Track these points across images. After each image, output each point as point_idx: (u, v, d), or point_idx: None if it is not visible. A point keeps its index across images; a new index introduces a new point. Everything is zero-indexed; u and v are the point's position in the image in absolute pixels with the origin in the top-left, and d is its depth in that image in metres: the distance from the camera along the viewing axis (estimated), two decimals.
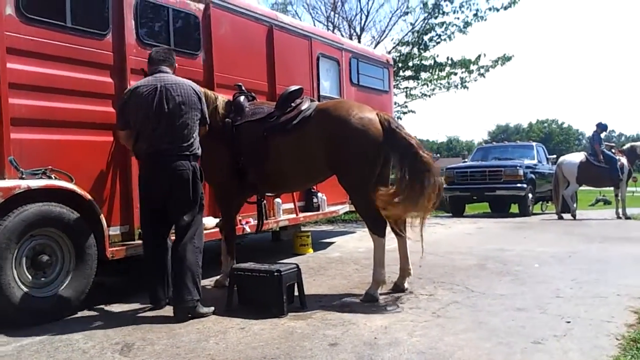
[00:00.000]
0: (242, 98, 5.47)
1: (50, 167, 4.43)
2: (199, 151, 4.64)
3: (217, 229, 5.88)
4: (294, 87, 5.39)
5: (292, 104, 5.25)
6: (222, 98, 5.46)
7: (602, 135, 13.11)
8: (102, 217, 4.67)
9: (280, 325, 4.09)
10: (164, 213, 4.60)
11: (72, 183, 4.49)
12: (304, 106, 5.18)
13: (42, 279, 4.33)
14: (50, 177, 4.38)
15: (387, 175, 5.09)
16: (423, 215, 4.82)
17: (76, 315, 4.48)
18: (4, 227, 3.97)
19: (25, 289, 4.15)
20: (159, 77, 4.58)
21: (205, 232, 5.56)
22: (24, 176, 4.23)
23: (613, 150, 13.13)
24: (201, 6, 6.04)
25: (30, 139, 4.42)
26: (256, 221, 5.92)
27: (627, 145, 13.57)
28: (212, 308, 4.50)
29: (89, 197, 4.58)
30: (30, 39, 4.42)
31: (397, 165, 4.89)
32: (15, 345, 3.71)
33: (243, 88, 5.66)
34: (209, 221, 5.92)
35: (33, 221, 4.16)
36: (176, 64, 4.87)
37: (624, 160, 12.77)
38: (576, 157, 13.17)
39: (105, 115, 4.91)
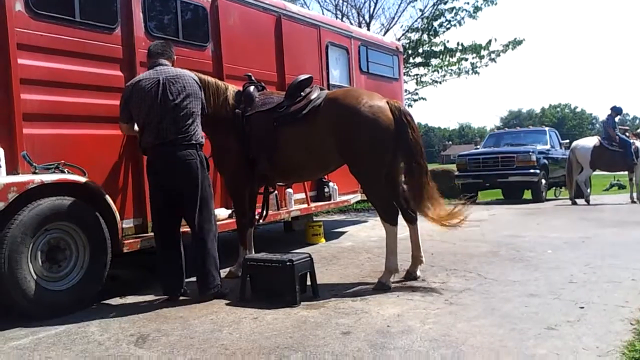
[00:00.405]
0: (252, 88, 5.48)
1: (62, 161, 4.47)
2: (203, 140, 4.75)
3: (230, 220, 5.91)
4: (303, 76, 5.38)
5: (302, 93, 5.25)
6: (232, 88, 5.48)
7: (617, 118, 12.96)
8: (116, 210, 4.71)
9: (293, 315, 4.11)
10: (174, 204, 4.67)
11: (85, 177, 4.53)
12: (314, 95, 5.18)
13: (57, 272, 4.38)
14: (63, 172, 4.42)
15: (398, 164, 5.07)
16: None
17: (91, 308, 4.53)
18: (19, 221, 4.02)
19: (40, 283, 4.21)
20: (160, 70, 4.65)
21: (217, 223, 5.62)
22: (37, 171, 4.28)
23: (627, 134, 12.99)
24: None
25: (42, 134, 4.46)
26: (261, 211, 5.92)
27: None
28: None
29: (102, 190, 4.62)
30: (40, 35, 4.45)
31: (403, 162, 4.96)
32: (32, 338, 3.77)
33: (253, 78, 5.67)
34: (222, 212, 5.95)
35: (47, 215, 4.21)
36: (174, 56, 4.92)
37: (638, 143, 12.63)
38: (590, 142, 13.04)
39: (116, 108, 4.91)
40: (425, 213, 4.88)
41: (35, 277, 4.18)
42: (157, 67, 4.69)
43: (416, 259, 5.16)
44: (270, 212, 6.10)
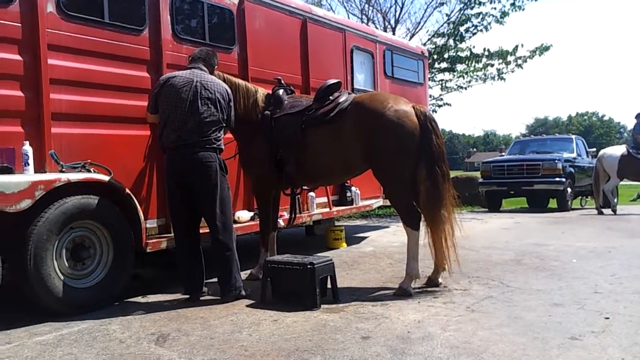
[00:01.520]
0: (281, 91, 5.53)
1: (89, 160, 4.53)
2: (223, 147, 4.83)
3: (252, 222, 5.93)
4: (332, 81, 5.40)
5: (330, 97, 5.27)
6: (262, 91, 5.53)
7: None
8: (140, 210, 4.76)
9: (313, 318, 4.11)
10: (193, 204, 4.73)
11: (111, 176, 4.58)
12: (342, 99, 5.19)
13: (81, 270, 4.45)
14: (89, 171, 4.48)
15: (421, 169, 5.03)
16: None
17: (113, 306, 4.58)
18: (45, 218, 4.08)
19: (64, 280, 4.27)
20: (196, 73, 4.74)
21: (239, 225, 5.66)
22: (64, 169, 4.34)
23: None
24: (235, 0, 6.08)
25: (70, 133, 4.53)
26: (289, 215, 5.95)
27: None
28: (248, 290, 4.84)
29: (127, 190, 4.67)
30: (70, 36, 4.53)
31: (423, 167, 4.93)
32: (55, 335, 3.82)
33: (282, 82, 5.70)
34: (244, 214, 5.98)
35: (73, 213, 4.27)
36: (216, 66, 5.03)
37: None
38: (617, 151, 12.80)
39: (142, 109, 4.99)
40: (438, 220, 4.89)
41: (59, 274, 4.24)
42: (194, 69, 4.78)
43: (438, 266, 5.11)
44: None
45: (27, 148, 4.11)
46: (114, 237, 4.58)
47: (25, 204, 3.94)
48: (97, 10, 4.74)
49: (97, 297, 4.47)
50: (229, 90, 4.91)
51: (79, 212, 4.31)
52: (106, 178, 4.53)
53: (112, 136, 4.85)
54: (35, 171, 4.17)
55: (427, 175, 4.88)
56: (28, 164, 4.10)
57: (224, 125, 4.85)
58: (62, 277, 4.25)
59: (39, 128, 4.31)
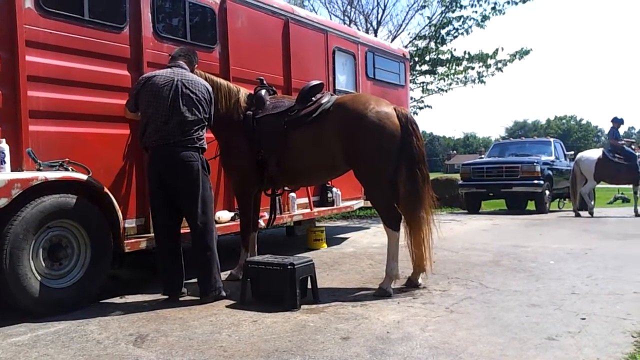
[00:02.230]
0: (263, 92, 5.52)
1: (67, 159, 4.47)
2: (206, 146, 4.81)
3: (232, 223, 5.91)
4: (315, 82, 5.40)
5: (313, 98, 5.27)
6: (244, 91, 5.51)
7: (620, 129, 12.93)
8: (118, 210, 4.71)
9: (293, 319, 4.10)
10: (175, 204, 4.70)
11: (89, 175, 4.53)
12: (324, 100, 5.20)
13: (58, 270, 4.38)
14: (67, 169, 4.42)
15: (402, 170, 5.06)
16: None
17: (91, 307, 4.52)
18: (21, 217, 4.02)
19: (41, 280, 4.20)
20: (177, 71, 4.70)
21: (219, 225, 5.63)
22: (41, 168, 4.28)
23: (633, 147, 12.95)
24: (218, 0, 6.05)
25: (48, 131, 4.47)
26: (270, 215, 5.93)
27: None
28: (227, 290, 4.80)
29: (106, 189, 4.62)
30: (48, 32, 4.46)
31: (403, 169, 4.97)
32: (30, 335, 3.77)
33: (264, 82, 5.69)
34: (224, 215, 5.95)
35: (50, 212, 4.21)
36: (196, 64, 5.00)
37: None
38: (594, 154, 13.02)
39: (121, 108, 4.94)
40: (417, 222, 4.94)
41: (36, 274, 4.17)
42: (174, 67, 4.75)
43: (418, 267, 5.14)
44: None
45: (4, 146, 4.05)
46: (92, 237, 4.52)
47: (2, 202, 3.88)
48: (77, 7, 4.67)
49: (75, 297, 4.41)
50: (209, 88, 4.88)
51: (56, 211, 4.25)
52: (84, 177, 4.47)
53: (91, 134, 4.79)
54: (12, 169, 4.11)
55: (407, 177, 4.92)
56: (4, 162, 4.04)
57: (206, 124, 4.82)
58: (38, 277, 4.18)
59: (16, 126, 4.24)
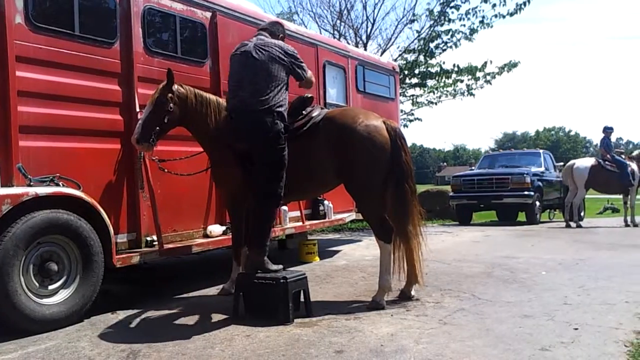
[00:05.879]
0: None
1: (58, 174, 4.44)
2: (282, 109, 4.80)
3: (224, 237, 5.89)
4: (305, 96, 5.41)
5: (303, 111, 5.28)
6: None
7: (612, 137, 13.09)
8: (110, 225, 4.68)
9: (286, 333, 4.08)
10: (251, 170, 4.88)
11: (80, 190, 4.50)
12: (314, 113, 5.22)
13: (49, 286, 4.34)
14: (58, 185, 4.39)
15: (390, 184, 5.09)
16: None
17: (82, 323, 4.48)
18: (12, 234, 3.98)
19: (32, 296, 4.16)
20: (254, 39, 4.94)
21: (211, 239, 5.61)
22: (32, 183, 4.25)
23: (623, 156, 13.07)
24: (208, 14, 6.08)
25: (38, 147, 4.44)
26: None
27: (637, 152, 13.52)
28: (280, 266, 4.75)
29: (97, 204, 4.59)
30: (39, 48, 4.45)
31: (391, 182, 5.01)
32: (21, 353, 3.72)
33: None
34: (216, 229, 5.93)
35: (41, 228, 4.17)
36: (281, 34, 5.19)
37: (634, 166, 12.69)
38: (587, 162, 13.10)
39: (112, 122, 4.94)
40: (405, 235, 5.00)
41: (26, 290, 4.13)
42: (255, 37, 4.98)
43: (410, 279, 5.14)
44: None
45: None
46: (83, 253, 4.47)
47: None
48: (68, 23, 4.67)
49: (65, 313, 4.36)
50: (286, 46, 4.96)
51: (47, 227, 4.22)
52: (75, 192, 4.45)
53: (81, 149, 4.77)
54: (2, 185, 4.09)
55: (395, 191, 4.94)
56: None
57: (280, 82, 4.82)
58: (29, 294, 4.14)
59: (7, 141, 4.21)
